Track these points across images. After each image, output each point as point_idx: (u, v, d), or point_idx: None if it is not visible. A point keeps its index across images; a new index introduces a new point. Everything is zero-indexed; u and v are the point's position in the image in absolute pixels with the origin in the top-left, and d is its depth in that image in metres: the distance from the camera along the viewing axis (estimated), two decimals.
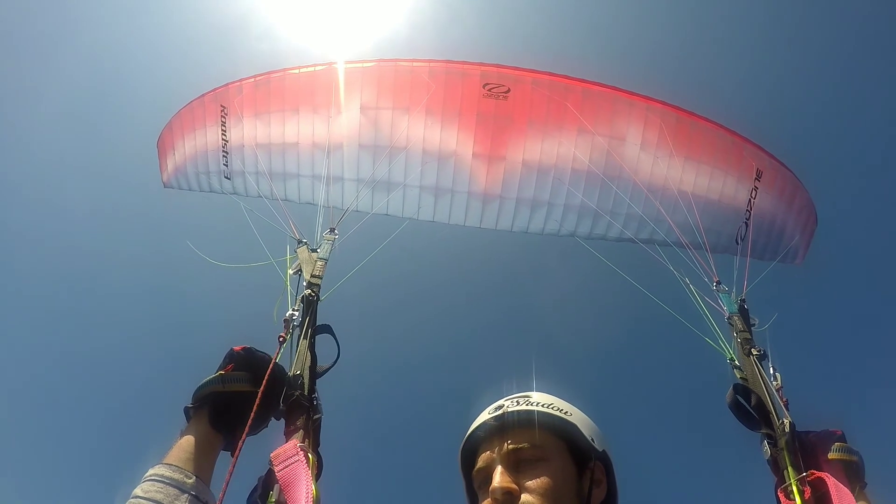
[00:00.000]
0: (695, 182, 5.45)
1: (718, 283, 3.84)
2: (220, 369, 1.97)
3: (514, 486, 1.51)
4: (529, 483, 1.52)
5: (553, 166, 4.77)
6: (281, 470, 1.62)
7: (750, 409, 2.32)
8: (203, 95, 4.80)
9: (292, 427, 1.88)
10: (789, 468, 1.95)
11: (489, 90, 4.71)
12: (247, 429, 1.77)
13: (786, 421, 2.09)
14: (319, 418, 1.96)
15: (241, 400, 1.88)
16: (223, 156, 4.72)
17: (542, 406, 1.69)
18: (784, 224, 6.10)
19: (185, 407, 1.90)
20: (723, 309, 3.41)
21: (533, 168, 4.70)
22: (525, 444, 1.59)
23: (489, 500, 1.53)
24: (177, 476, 1.63)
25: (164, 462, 1.67)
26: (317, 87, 4.66)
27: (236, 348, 2.04)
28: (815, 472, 1.88)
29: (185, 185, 5.17)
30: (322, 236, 3.46)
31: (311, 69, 4.70)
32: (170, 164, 5.19)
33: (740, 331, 2.99)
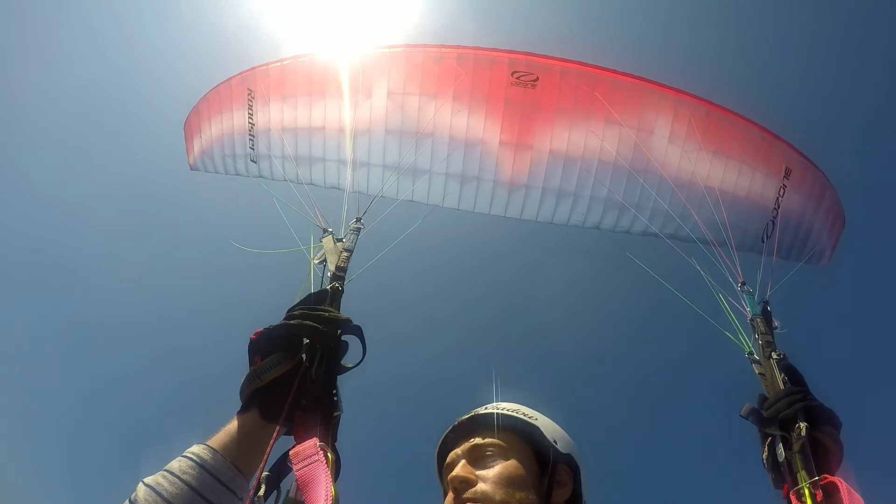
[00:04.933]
0: (723, 178, 5.37)
1: (743, 283, 3.78)
2: (250, 364, 1.90)
3: (471, 475, 1.66)
4: (486, 472, 1.67)
5: (580, 157, 4.71)
6: (300, 469, 1.57)
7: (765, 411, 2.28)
8: (230, 79, 4.80)
9: (310, 424, 1.80)
10: (802, 472, 1.96)
11: (517, 78, 4.65)
12: (287, 406, 1.72)
13: (802, 425, 2.06)
14: (339, 416, 1.87)
15: (286, 381, 1.82)
16: (249, 139, 4.72)
17: (507, 410, 1.86)
18: (811, 224, 5.98)
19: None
20: (745, 310, 3.38)
21: (560, 158, 4.64)
22: (488, 441, 1.76)
23: (450, 491, 1.68)
24: (213, 462, 1.56)
25: (207, 444, 1.62)
26: (344, 71, 4.64)
27: (253, 337, 1.95)
28: (827, 476, 1.90)
29: (212, 168, 5.18)
30: (348, 226, 3.42)
31: (339, 54, 4.68)
32: (196, 147, 5.21)
33: (762, 333, 2.97)
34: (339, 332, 1.96)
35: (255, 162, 4.80)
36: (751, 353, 2.84)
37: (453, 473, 1.68)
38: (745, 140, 5.39)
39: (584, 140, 4.72)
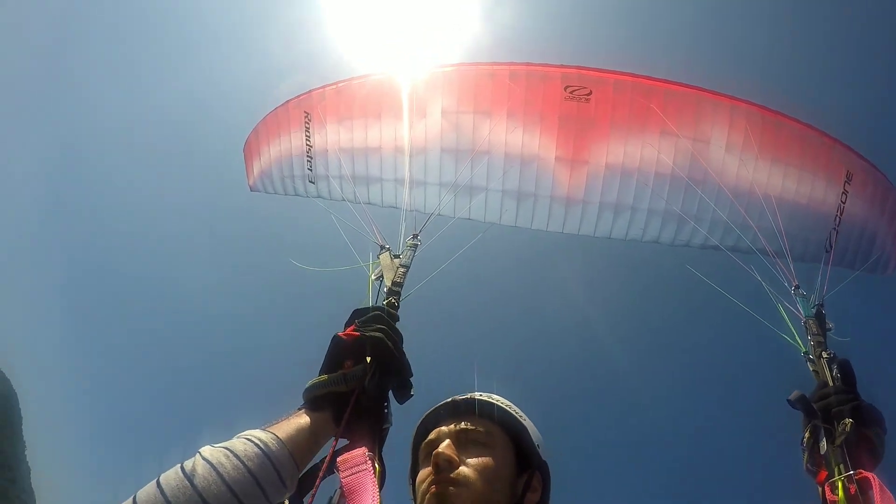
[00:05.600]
0: (782, 185, 5.24)
1: (797, 287, 3.78)
2: (330, 361, 1.86)
3: (456, 457, 1.67)
4: (471, 459, 1.69)
5: (636, 169, 4.66)
6: (347, 476, 1.55)
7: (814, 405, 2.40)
8: (287, 102, 4.93)
9: (360, 433, 1.77)
10: (839, 465, 2.04)
11: (571, 92, 4.64)
12: (347, 415, 1.70)
13: (848, 421, 2.11)
14: (388, 429, 1.87)
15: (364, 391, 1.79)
16: (307, 160, 4.84)
17: (503, 404, 1.90)
18: (875, 230, 5.77)
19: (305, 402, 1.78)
20: (800, 312, 3.47)
21: (616, 171, 4.60)
22: (478, 428, 1.78)
23: (430, 466, 1.69)
24: (278, 453, 1.48)
25: (273, 432, 1.54)
26: (398, 92, 4.71)
27: (346, 339, 1.89)
28: (862, 471, 1.95)
29: (271, 189, 5.32)
30: (405, 242, 3.46)
31: (393, 74, 4.75)
32: (256, 169, 5.36)
33: (814, 334, 3.09)
34: (396, 347, 1.95)
35: (314, 182, 4.91)
36: (806, 353, 2.95)
37: (440, 450, 1.68)
38: (804, 145, 5.25)
39: (641, 152, 4.67)
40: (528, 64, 4.76)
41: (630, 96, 4.74)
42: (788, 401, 2.37)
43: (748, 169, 5.09)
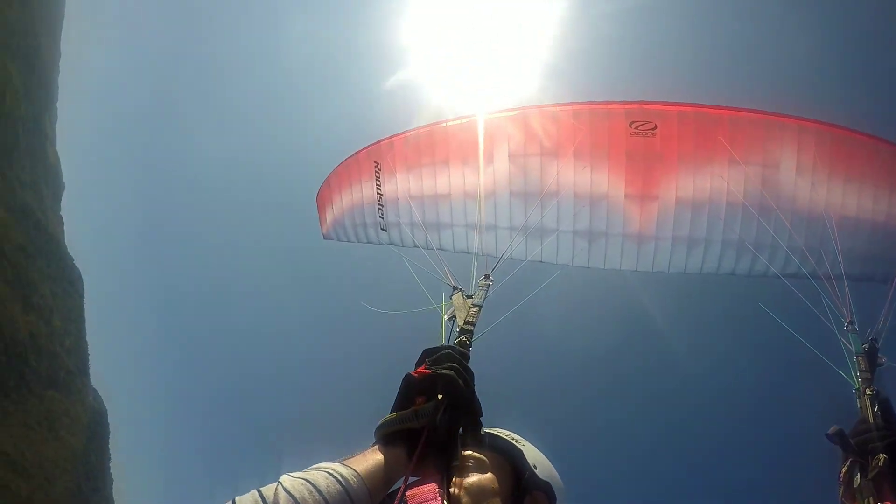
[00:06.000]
0: (857, 205, 5.09)
1: (850, 322, 3.76)
2: (402, 399, 1.89)
3: None
4: (461, 480, 1.79)
5: (707, 201, 4.63)
6: None
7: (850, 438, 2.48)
8: (357, 153, 5.13)
9: (430, 469, 1.78)
10: (868, 498, 2.14)
11: (636, 128, 4.66)
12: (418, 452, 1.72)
13: (882, 457, 2.21)
14: (456, 466, 1.86)
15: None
16: (379, 208, 5.02)
17: (497, 432, 2.04)
18: None
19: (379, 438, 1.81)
20: (851, 348, 3.50)
21: (687, 205, 4.59)
22: (469, 454, 1.89)
23: None
24: (358, 491, 1.50)
25: (353, 468, 1.56)
26: (464, 138, 4.84)
27: (416, 376, 1.93)
28: (889, 501, 2.09)
29: (344, 237, 5.53)
30: (477, 283, 3.54)
31: (458, 122, 4.88)
32: (329, 217, 5.58)
33: (862, 371, 3.15)
34: (467, 384, 1.98)
35: (385, 230, 5.08)
36: (857, 391, 3.03)
37: None
38: (878, 160, 5.09)
39: (710, 184, 4.64)
40: (590, 102, 4.81)
41: (695, 127, 4.72)
42: (827, 435, 2.46)
43: (821, 191, 4.98)
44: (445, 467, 1.79)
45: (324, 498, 1.40)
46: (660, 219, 4.54)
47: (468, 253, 4.79)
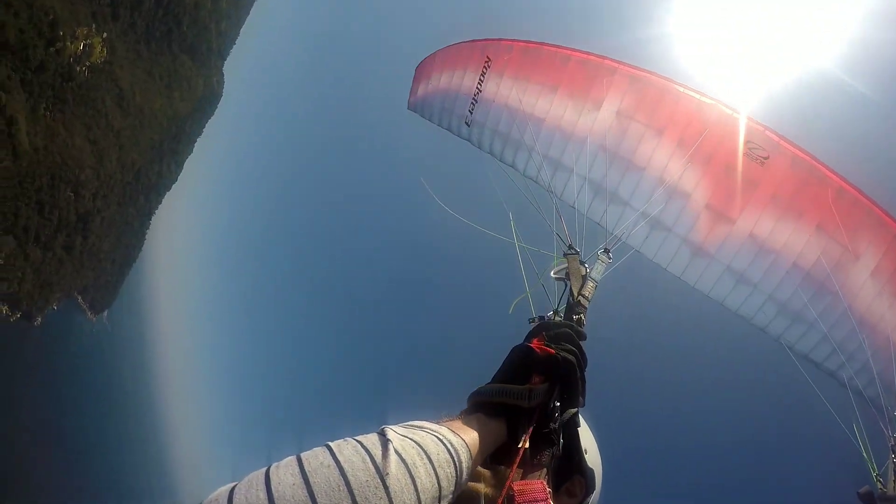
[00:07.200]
0: None
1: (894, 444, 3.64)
2: (515, 371, 1.74)
3: None
4: None
5: (776, 250, 4.46)
6: None
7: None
8: (474, 41, 4.98)
9: (536, 460, 1.64)
10: None
11: (749, 149, 4.47)
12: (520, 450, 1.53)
13: None
14: (556, 461, 1.72)
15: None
16: (472, 103, 4.90)
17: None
18: None
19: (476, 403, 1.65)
20: (890, 438, 3.65)
21: (756, 243, 4.43)
22: None
23: None
24: (466, 466, 1.34)
25: (464, 440, 1.39)
26: (583, 74, 4.67)
27: (539, 353, 1.75)
28: None
29: (426, 115, 5.43)
30: (594, 253, 3.30)
31: (584, 56, 4.71)
32: (420, 91, 5.47)
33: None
34: (583, 374, 1.84)
35: (469, 126, 4.98)
36: (878, 477, 3.20)
37: None
38: None
39: (788, 237, 4.47)
40: (718, 102, 4.60)
41: (805, 177, 4.52)
42: (858, 494, 2.56)
43: (883, 304, 4.79)
44: (549, 457, 1.66)
45: (435, 472, 1.21)
46: (726, 242, 4.39)
47: (529, 178, 4.70)
